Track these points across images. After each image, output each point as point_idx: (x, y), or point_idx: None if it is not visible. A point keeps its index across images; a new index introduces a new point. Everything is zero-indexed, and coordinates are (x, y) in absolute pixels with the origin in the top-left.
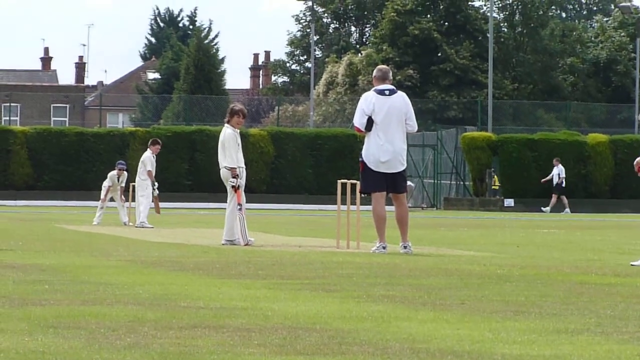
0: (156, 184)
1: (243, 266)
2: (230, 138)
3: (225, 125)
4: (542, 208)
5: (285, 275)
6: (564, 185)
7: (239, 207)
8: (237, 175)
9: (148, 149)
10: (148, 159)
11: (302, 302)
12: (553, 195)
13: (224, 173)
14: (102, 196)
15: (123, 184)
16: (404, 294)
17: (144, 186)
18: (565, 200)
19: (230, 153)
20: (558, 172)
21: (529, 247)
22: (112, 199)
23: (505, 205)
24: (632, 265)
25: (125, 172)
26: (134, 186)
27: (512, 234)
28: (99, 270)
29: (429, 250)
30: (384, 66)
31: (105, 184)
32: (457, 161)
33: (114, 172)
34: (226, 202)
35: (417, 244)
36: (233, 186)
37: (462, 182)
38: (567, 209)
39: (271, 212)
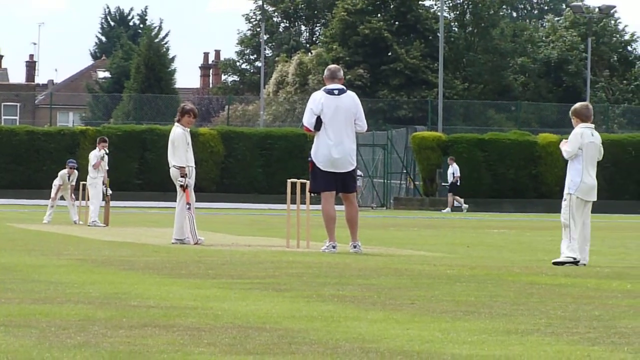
0: (107, 179)
1: (193, 266)
2: (179, 137)
3: (176, 124)
4: (442, 210)
5: (235, 275)
6: (458, 184)
7: (188, 206)
8: (186, 174)
9: (96, 147)
10: (93, 154)
11: (252, 302)
12: (449, 194)
13: (173, 172)
14: (52, 195)
15: (74, 183)
16: (354, 293)
17: (94, 185)
18: (459, 199)
19: (179, 152)
20: (452, 171)
21: (480, 247)
22: (62, 198)
23: (455, 205)
24: (553, 263)
25: (75, 171)
26: (84, 185)
27: (462, 234)
28: (49, 269)
29: (379, 250)
30: (334, 65)
31: (56, 182)
32: (407, 161)
33: (64, 171)
34: (176, 201)
35: (367, 243)
36: (182, 185)
37: (412, 182)
38: (464, 207)
39: (221, 212)
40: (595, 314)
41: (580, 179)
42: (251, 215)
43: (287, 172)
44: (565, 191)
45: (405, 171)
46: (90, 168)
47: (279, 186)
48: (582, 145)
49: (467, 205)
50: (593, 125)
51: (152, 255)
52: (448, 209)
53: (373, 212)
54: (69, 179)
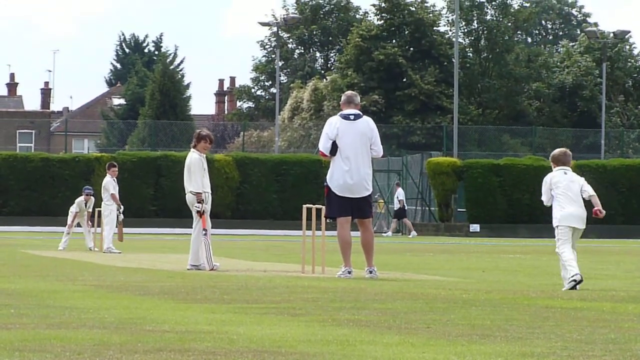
0: (121, 207)
1: (208, 291)
2: (196, 163)
3: (192, 150)
4: (383, 234)
5: (250, 300)
6: (405, 208)
7: (204, 232)
8: (202, 200)
9: (107, 174)
10: (109, 183)
11: (268, 326)
12: (394, 221)
13: (189, 198)
14: (69, 221)
15: (90, 209)
16: (370, 317)
17: (108, 211)
18: (409, 223)
19: (195, 178)
20: (397, 196)
21: (495, 271)
22: (78, 225)
23: (470, 230)
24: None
25: (92, 198)
26: (99, 211)
27: (477, 259)
28: (64, 295)
29: (395, 275)
30: (351, 91)
31: (72, 209)
32: (423, 187)
33: (81, 198)
34: (192, 227)
35: (382, 268)
36: (198, 211)
37: (427, 208)
38: (413, 233)
39: (237, 238)
40: (611, 337)
41: (560, 211)
42: (266, 241)
43: (302, 198)
44: (554, 225)
45: (420, 197)
46: (104, 195)
47: (294, 212)
48: (552, 186)
49: (415, 233)
50: (568, 168)
51: (167, 281)
52: (414, 232)
53: (389, 237)
54: (85, 206)
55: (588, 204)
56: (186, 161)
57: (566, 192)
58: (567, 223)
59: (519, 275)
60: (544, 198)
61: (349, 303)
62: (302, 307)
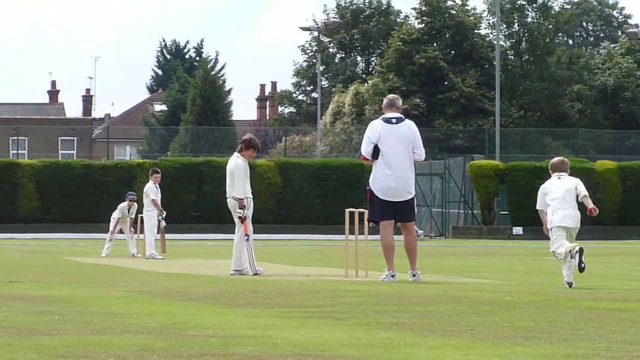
0: (163, 213)
1: (251, 295)
2: (241, 168)
3: (237, 154)
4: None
5: (293, 304)
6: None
7: (246, 237)
8: (244, 206)
9: (150, 180)
10: (150, 189)
11: (311, 330)
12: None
13: (231, 203)
14: (111, 228)
15: (133, 215)
16: (413, 321)
17: (148, 217)
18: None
19: (239, 184)
20: None
21: (538, 274)
22: (121, 231)
23: (513, 233)
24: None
25: (135, 204)
26: (142, 218)
27: (520, 262)
28: (107, 301)
29: (438, 278)
30: (393, 95)
31: (115, 215)
32: (465, 190)
33: (124, 204)
34: (234, 232)
35: (425, 272)
36: (240, 217)
37: (470, 211)
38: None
39: (279, 243)
40: None
41: (553, 215)
42: (309, 246)
43: (344, 202)
44: (548, 226)
45: (463, 200)
46: (145, 201)
47: (336, 216)
48: (546, 191)
49: (422, 231)
50: (564, 173)
51: (210, 286)
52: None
53: (431, 241)
54: (128, 212)
55: (582, 205)
56: (229, 165)
57: (559, 197)
58: (560, 223)
59: (562, 278)
60: (538, 204)
61: (392, 306)
62: (345, 311)
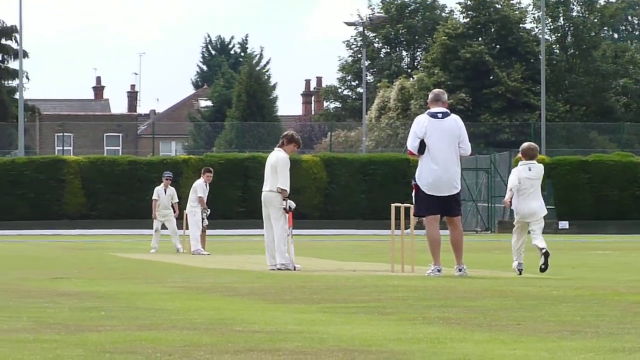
0: (207, 210)
1: (297, 291)
2: (284, 161)
3: (278, 148)
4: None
5: (339, 299)
6: None
7: (288, 231)
8: (287, 197)
9: (201, 177)
10: (199, 186)
11: (357, 325)
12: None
13: (268, 196)
14: (153, 213)
15: (174, 200)
16: (459, 315)
17: (193, 213)
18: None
19: (283, 175)
20: None
21: (584, 268)
22: (164, 227)
23: (559, 227)
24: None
25: (171, 187)
26: (186, 214)
27: (566, 256)
28: (153, 297)
29: (484, 273)
30: (438, 89)
31: (154, 196)
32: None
33: (160, 186)
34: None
35: (472, 267)
36: (284, 208)
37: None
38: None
39: (324, 238)
40: None
41: (518, 206)
42: (355, 241)
43: (390, 197)
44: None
45: None
46: (192, 196)
47: (382, 211)
48: (519, 180)
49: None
50: (534, 161)
51: (256, 282)
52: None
53: (477, 235)
54: (165, 193)
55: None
56: (271, 159)
57: (527, 189)
58: (523, 219)
59: (608, 272)
60: (510, 183)
61: (438, 301)
62: (391, 306)
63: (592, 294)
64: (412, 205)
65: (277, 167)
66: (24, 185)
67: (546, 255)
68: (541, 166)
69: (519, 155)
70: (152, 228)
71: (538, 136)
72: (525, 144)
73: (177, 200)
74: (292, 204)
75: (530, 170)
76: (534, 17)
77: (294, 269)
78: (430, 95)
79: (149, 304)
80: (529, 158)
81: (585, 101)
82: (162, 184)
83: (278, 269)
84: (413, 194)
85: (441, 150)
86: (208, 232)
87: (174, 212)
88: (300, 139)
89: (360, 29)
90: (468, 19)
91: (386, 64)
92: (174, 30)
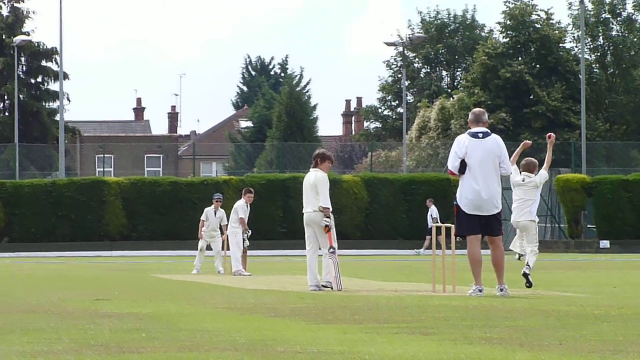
0: (248, 232)
1: (339, 311)
2: (324, 180)
3: (315, 169)
4: (419, 252)
5: (381, 319)
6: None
7: (332, 250)
8: (330, 215)
9: (242, 198)
10: (240, 207)
11: (399, 345)
12: (428, 236)
13: (311, 216)
14: (199, 233)
15: (223, 222)
16: (501, 335)
17: (234, 234)
18: (427, 241)
19: (324, 194)
20: (430, 213)
21: (626, 287)
22: (209, 248)
23: (600, 246)
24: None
25: (221, 209)
26: (227, 235)
27: (608, 275)
28: (195, 318)
29: (525, 292)
30: (479, 109)
31: (202, 217)
32: (552, 203)
33: (210, 207)
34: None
35: (513, 286)
36: (327, 226)
37: (557, 224)
38: (422, 250)
39: (366, 258)
40: None
41: (514, 213)
42: (396, 261)
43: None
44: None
45: (550, 214)
46: (233, 217)
47: (422, 231)
48: (514, 187)
49: (421, 252)
50: (530, 174)
51: (297, 302)
52: (421, 250)
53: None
54: (215, 215)
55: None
56: (309, 179)
57: (520, 198)
58: (517, 226)
59: None
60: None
61: (480, 321)
62: (433, 325)
63: (635, 313)
64: (453, 225)
65: (317, 187)
66: (65, 206)
67: (524, 275)
68: (535, 179)
69: (520, 168)
70: (194, 249)
71: (578, 155)
72: (526, 160)
73: (226, 223)
74: (330, 222)
75: (524, 180)
76: (573, 37)
77: (337, 289)
78: (471, 116)
79: (190, 325)
80: (526, 171)
81: (625, 120)
82: (212, 206)
83: (323, 286)
84: (454, 214)
85: (482, 170)
86: (249, 252)
87: (222, 233)
88: (332, 155)
89: (400, 49)
90: (508, 39)
91: (426, 84)
92: (214, 51)
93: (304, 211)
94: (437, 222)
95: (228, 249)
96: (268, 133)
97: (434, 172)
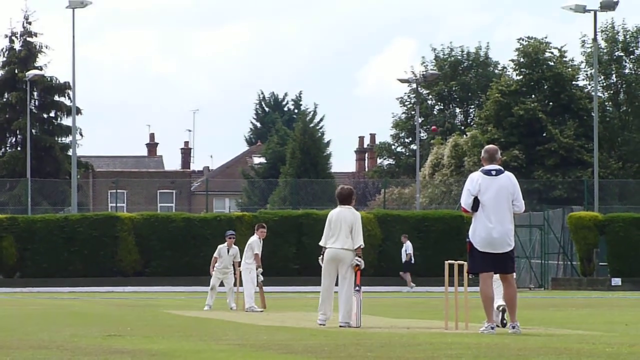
0: (260, 268)
1: (352, 348)
2: (360, 220)
3: (349, 207)
4: (404, 289)
5: (394, 357)
6: (412, 262)
7: (357, 288)
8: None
9: (255, 233)
10: (255, 243)
11: None
12: (401, 273)
13: (344, 253)
14: (210, 269)
15: (236, 259)
16: None
17: (248, 270)
18: (408, 277)
19: (361, 233)
20: (405, 249)
21: (638, 325)
22: (222, 284)
23: (612, 284)
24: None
25: (235, 246)
26: (240, 271)
27: (620, 313)
28: (208, 355)
29: (538, 330)
30: (492, 146)
31: (215, 254)
32: (564, 241)
33: (223, 245)
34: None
35: (525, 324)
36: (358, 265)
37: (569, 262)
38: (409, 287)
39: (379, 295)
40: None
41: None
42: (409, 298)
43: (445, 254)
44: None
45: (562, 251)
46: (247, 253)
47: (436, 268)
48: None
49: (414, 285)
50: None
51: (310, 339)
52: (408, 287)
53: (531, 292)
54: (228, 252)
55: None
56: (347, 217)
57: None
58: None
59: None
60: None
61: (492, 359)
62: None
63: None
64: (465, 263)
65: (355, 225)
66: (78, 242)
67: (503, 311)
68: None
69: None
70: (207, 285)
71: (591, 193)
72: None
73: (240, 260)
74: (362, 262)
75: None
76: (586, 74)
77: (355, 326)
78: (484, 154)
79: None
80: None
81: (638, 158)
82: (225, 243)
83: (341, 327)
84: (467, 251)
85: (495, 208)
86: (264, 288)
87: (235, 270)
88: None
89: (414, 85)
90: (521, 76)
91: (440, 121)
92: (228, 87)
93: (330, 246)
94: (411, 258)
95: (241, 285)
96: (281, 169)
97: (447, 209)
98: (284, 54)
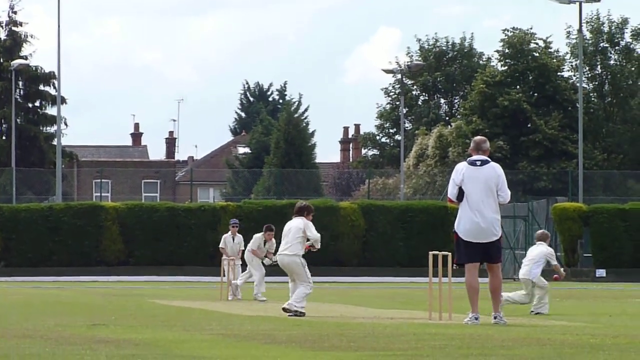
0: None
1: (335, 338)
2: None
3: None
4: None
5: (377, 347)
6: None
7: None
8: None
9: (263, 235)
10: (258, 239)
11: None
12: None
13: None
14: (222, 265)
15: (241, 247)
16: None
17: (251, 257)
18: None
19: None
20: None
21: (622, 316)
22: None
23: (597, 275)
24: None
25: (239, 234)
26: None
27: (604, 304)
28: (191, 345)
29: (521, 320)
30: (480, 137)
31: (221, 245)
32: (549, 232)
33: (227, 234)
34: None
35: (509, 314)
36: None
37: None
38: None
39: (363, 285)
40: None
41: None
42: (393, 289)
43: (429, 245)
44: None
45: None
46: (249, 247)
47: (420, 259)
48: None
49: None
50: (543, 243)
51: (294, 329)
52: None
53: (515, 283)
54: (233, 241)
55: None
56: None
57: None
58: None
59: None
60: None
61: (476, 349)
62: (429, 354)
63: (630, 343)
64: (449, 253)
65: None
66: (62, 231)
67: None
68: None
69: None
70: (191, 274)
71: (576, 184)
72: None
73: (244, 248)
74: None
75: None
76: (571, 66)
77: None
78: (472, 144)
79: (187, 351)
80: (540, 241)
81: (622, 149)
82: (229, 232)
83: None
84: (453, 242)
85: (479, 198)
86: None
87: (239, 258)
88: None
89: (399, 76)
90: (506, 67)
91: (424, 112)
92: (212, 77)
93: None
94: None
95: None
96: (266, 159)
97: (431, 200)
98: (269, 44)
